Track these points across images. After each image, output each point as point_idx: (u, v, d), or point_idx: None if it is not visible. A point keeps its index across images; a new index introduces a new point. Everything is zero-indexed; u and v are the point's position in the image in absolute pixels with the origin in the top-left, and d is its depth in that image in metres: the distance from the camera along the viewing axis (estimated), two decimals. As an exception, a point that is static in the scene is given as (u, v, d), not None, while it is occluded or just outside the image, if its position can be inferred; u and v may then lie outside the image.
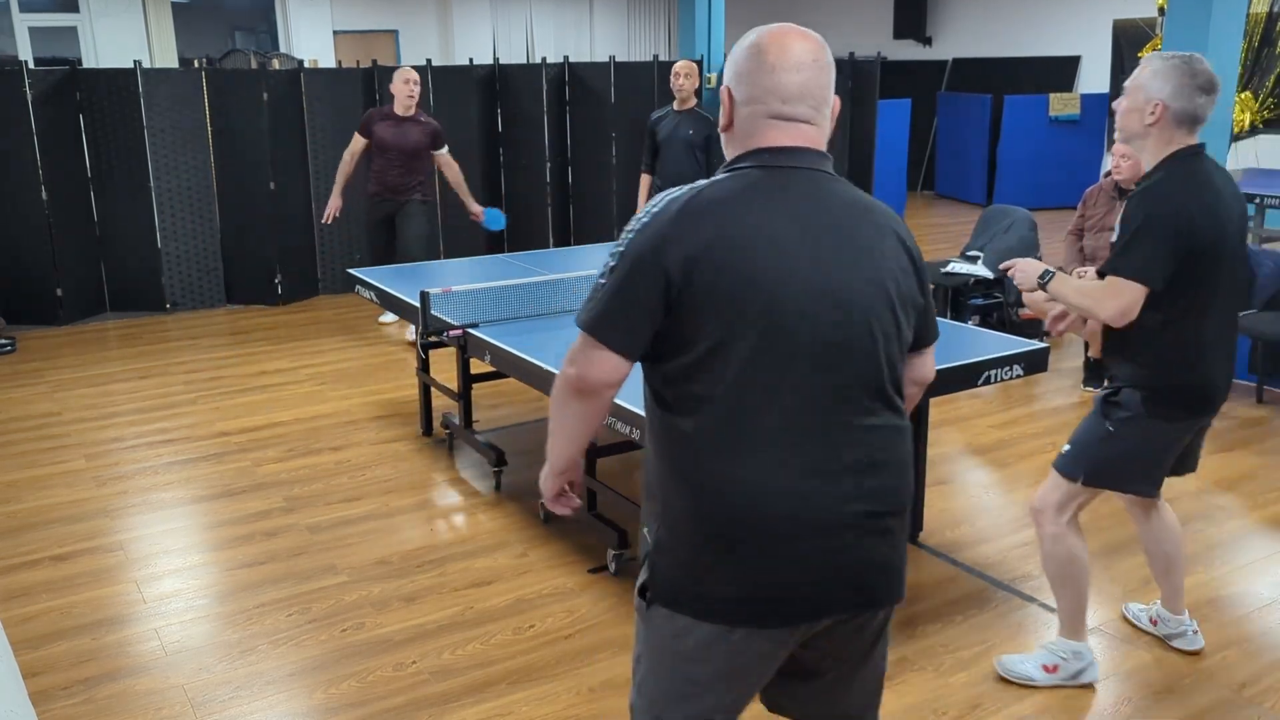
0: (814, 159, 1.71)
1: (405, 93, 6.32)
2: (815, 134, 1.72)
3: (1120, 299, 2.50)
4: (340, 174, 6.50)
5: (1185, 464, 2.83)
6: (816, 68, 1.68)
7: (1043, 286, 2.70)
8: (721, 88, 1.72)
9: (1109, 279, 2.53)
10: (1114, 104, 2.52)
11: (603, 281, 1.70)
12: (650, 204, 1.70)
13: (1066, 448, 2.77)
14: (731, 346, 1.61)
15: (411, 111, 6.37)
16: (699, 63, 8.96)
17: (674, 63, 8.77)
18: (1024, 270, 2.74)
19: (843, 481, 1.65)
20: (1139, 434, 2.66)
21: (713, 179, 1.70)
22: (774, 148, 1.68)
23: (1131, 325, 2.54)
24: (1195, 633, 3.07)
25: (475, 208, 6.61)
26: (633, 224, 1.69)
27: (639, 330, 1.65)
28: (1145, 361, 2.63)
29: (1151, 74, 2.52)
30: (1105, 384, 2.77)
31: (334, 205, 6.52)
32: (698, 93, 6.25)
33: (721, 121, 1.74)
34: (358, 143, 6.42)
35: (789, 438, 1.62)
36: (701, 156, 6.20)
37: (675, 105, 6.34)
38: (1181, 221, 2.48)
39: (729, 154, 1.75)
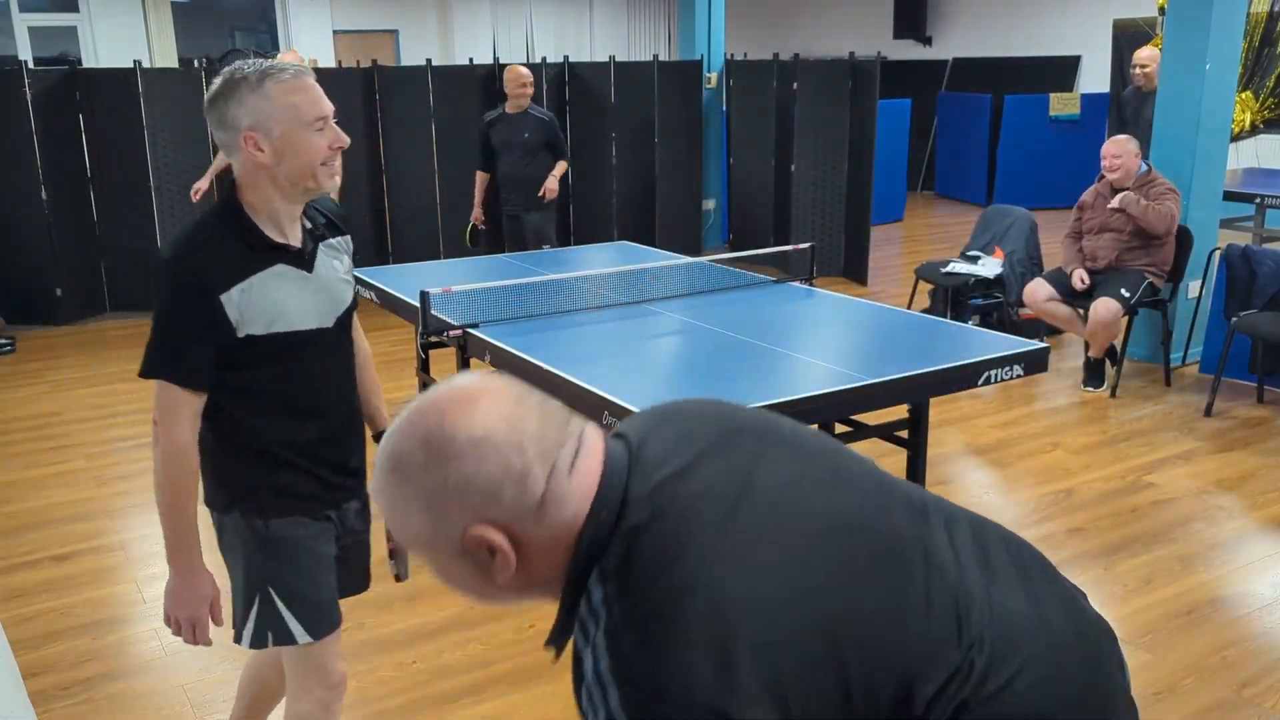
0: None
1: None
2: None
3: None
4: (217, 163, 6.39)
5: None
6: None
7: None
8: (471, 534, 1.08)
9: None
10: None
11: None
12: None
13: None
14: None
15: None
16: (699, 61, 8.97)
17: (672, 62, 8.80)
18: None
19: None
20: None
21: None
22: None
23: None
24: None
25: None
26: None
27: None
28: None
29: None
30: None
31: (197, 184, 6.34)
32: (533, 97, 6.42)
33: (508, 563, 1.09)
34: None
35: None
36: (541, 154, 6.32)
37: (508, 108, 6.33)
38: None
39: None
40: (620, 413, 3.09)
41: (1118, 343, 5.47)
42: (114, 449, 4.79)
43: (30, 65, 7.07)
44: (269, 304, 1.91)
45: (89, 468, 4.59)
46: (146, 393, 4.89)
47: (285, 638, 2.05)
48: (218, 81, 1.89)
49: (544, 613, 3.32)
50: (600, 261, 5.28)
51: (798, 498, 1.06)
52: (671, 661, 0.92)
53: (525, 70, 6.27)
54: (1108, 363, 5.49)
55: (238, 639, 2.10)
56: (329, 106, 1.92)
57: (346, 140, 1.93)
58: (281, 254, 1.94)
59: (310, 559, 2.06)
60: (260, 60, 1.90)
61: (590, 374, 3.34)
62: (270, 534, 2.02)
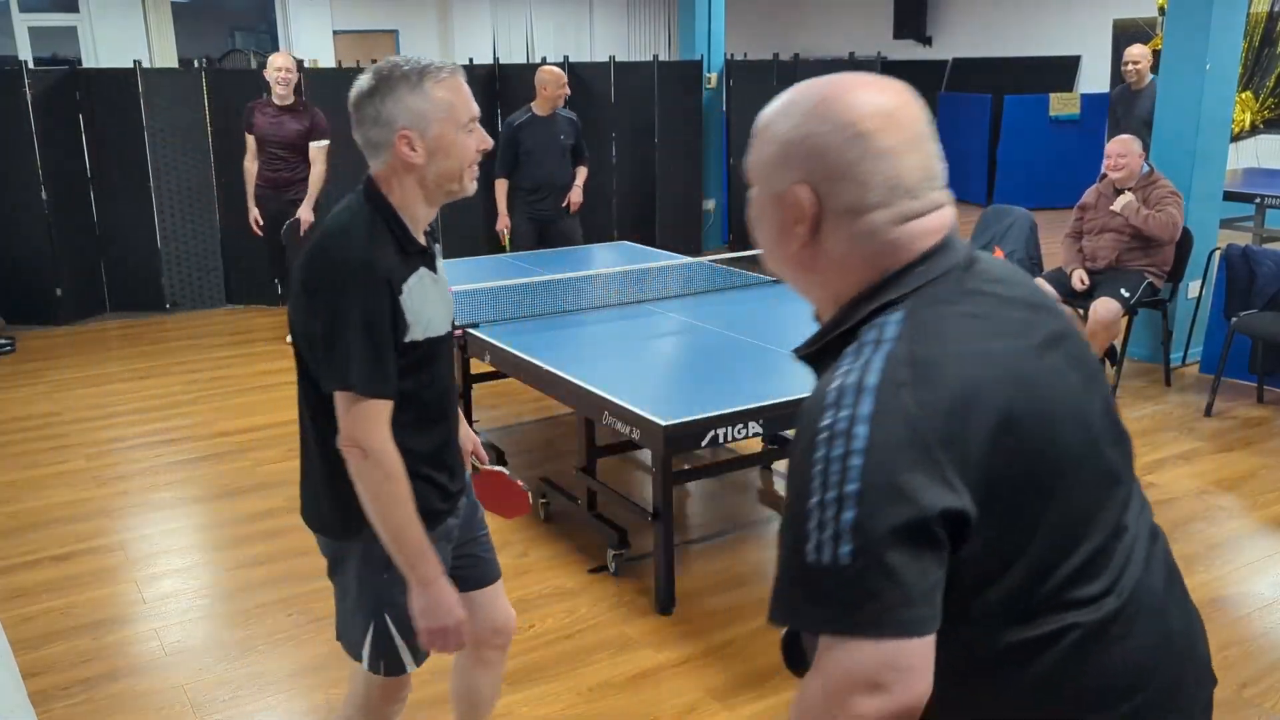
0: None
1: (275, 79, 5.97)
2: None
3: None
4: (248, 184, 6.22)
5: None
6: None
7: None
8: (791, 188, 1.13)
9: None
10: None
11: None
12: None
13: None
14: None
15: (289, 101, 6.06)
16: (699, 61, 8.97)
17: (672, 62, 8.80)
18: None
19: None
20: None
21: None
22: None
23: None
24: None
25: (306, 212, 6.13)
26: None
27: None
28: None
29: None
30: None
31: (252, 215, 6.24)
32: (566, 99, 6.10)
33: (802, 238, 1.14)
34: (249, 142, 6.16)
35: None
36: (571, 157, 6.06)
37: (540, 111, 5.93)
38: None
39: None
40: (620, 413, 3.09)
41: (1118, 343, 5.47)
42: (113, 449, 4.79)
43: (30, 65, 7.07)
44: (421, 309, 1.83)
45: (89, 468, 4.59)
46: (146, 393, 4.88)
47: (395, 668, 1.99)
48: (368, 77, 1.82)
49: (543, 613, 3.32)
50: (600, 261, 5.29)
51: (1072, 393, 1.14)
52: (926, 400, 1.02)
53: (561, 71, 6.01)
54: (1108, 363, 5.49)
55: (358, 659, 2.03)
56: (478, 108, 1.88)
57: (490, 143, 1.89)
58: (422, 257, 1.87)
59: None
60: (415, 58, 1.83)
61: (590, 374, 3.34)
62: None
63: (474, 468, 2.31)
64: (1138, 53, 6.88)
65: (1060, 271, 5.53)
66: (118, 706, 2.88)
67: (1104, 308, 5.14)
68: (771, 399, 3.06)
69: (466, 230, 8.24)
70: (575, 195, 6.06)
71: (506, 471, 2.38)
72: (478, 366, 4.32)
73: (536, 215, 6.04)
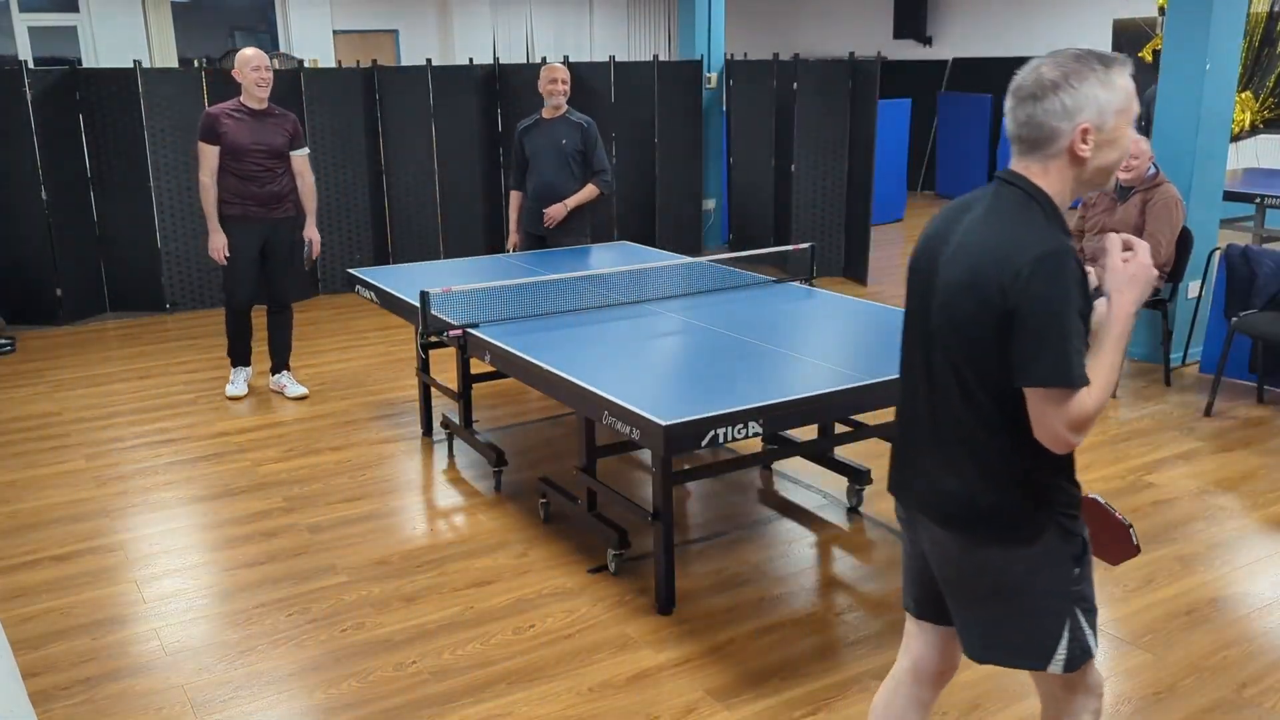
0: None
1: (255, 80, 5.15)
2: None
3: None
4: (210, 205, 5.18)
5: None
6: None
7: None
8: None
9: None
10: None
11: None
12: None
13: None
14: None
15: (265, 104, 5.26)
16: (699, 61, 8.97)
17: (672, 62, 8.79)
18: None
19: None
20: None
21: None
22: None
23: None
24: None
25: (314, 232, 5.47)
26: None
27: None
28: None
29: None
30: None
31: (221, 242, 5.23)
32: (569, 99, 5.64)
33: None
34: (210, 155, 5.13)
35: None
36: (578, 167, 5.58)
37: (545, 113, 5.60)
38: None
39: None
40: (620, 413, 3.09)
41: (1118, 343, 5.46)
42: (113, 449, 4.79)
43: (30, 65, 7.07)
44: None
45: (89, 468, 4.59)
46: (146, 393, 4.90)
47: (1087, 654, 1.91)
48: (1051, 67, 1.76)
49: (543, 613, 3.33)
50: (600, 261, 5.28)
51: None
52: None
53: (558, 65, 5.60)
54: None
55: (1041, 665, 1.90)
56: None
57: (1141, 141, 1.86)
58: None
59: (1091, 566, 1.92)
60: (1084, 48, 1.79)
61: (590, 374, 3.34)
62: (1082, 548, 1.87)
63: None
64: None
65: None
66: (118, 706, 2.88)
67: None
68: (771, 399, 3.05)
69: (467, 231, 8.25)
70: (554, 208, 5.50)
71: (1102, 501, 2.08)
72: (478, 366, 4.33)
73: (532, 229, 5.63)
